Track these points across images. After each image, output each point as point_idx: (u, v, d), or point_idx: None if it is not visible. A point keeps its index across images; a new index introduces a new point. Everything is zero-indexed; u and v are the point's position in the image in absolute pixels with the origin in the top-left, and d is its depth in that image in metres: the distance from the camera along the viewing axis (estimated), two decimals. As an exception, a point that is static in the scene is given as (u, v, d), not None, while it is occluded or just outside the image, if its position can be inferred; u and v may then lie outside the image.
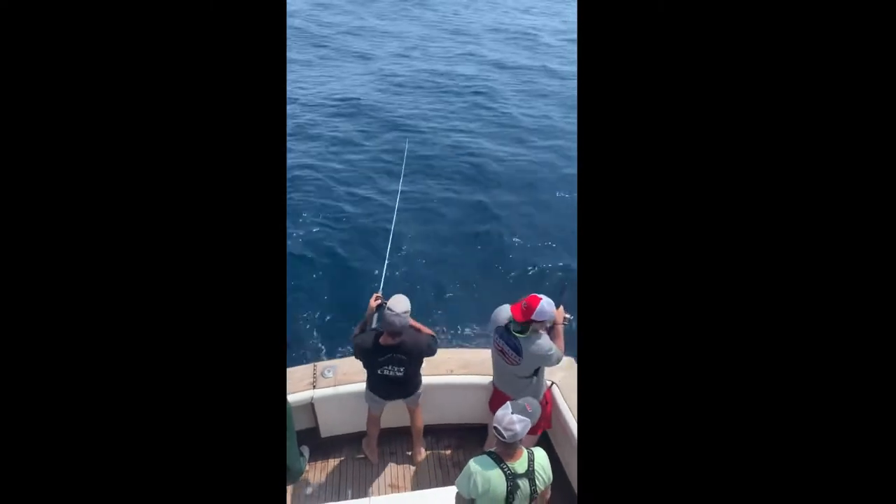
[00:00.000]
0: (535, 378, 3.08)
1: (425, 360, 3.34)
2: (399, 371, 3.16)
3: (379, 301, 3.17)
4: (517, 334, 2.96)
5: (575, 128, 10.20)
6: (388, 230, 4.03)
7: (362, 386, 3.38)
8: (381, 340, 3.09)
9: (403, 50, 14.65)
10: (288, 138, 8.06)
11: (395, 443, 3.80)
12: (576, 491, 3.36)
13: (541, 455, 2.42)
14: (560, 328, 3.07)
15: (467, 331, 5.74)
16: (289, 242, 6.62)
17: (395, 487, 3.57)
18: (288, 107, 9.60)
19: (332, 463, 3.70)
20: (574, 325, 4.15)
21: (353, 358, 3.40)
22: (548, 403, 3.37)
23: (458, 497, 2.43)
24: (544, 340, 2.95)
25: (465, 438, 3.83)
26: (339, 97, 11.22)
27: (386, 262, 3.96)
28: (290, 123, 9.41)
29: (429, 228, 7.26)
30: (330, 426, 3.71)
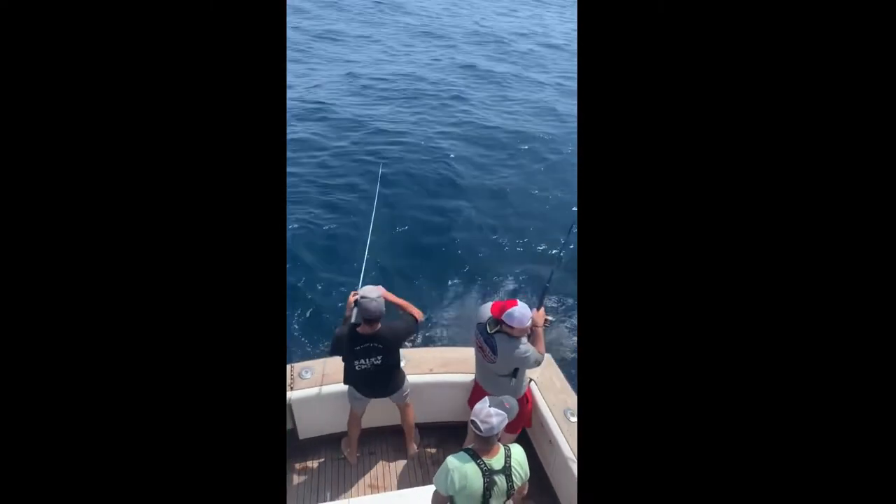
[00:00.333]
0: (513, 379, 3.11)
1: (405, 359, 3.33)
2: (377, 360, 3.19)
3: (357, 297, 3.21)
4: (490, 329, 2.99)
5: (551, 131, 10.28)
6: (366, 231, 4.03)
7: (341, 387, 3.37)
8: (360, 330, 3.15)
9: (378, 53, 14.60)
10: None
11: (374, 443, 3.79)
12: (554, 487, 3.40)
13: (518, 451, 2.44)
14: (540, 331, 3.09)
15: (446, 332, 5.76)
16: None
17: (374, 488, 3.56)
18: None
19: (311, 465, 3.67)
20: (552, 327, 4.19)
21: (331, 358, 3.39)
22: (528, 402, 3.39)
23: (436, 494, 2.44)
24: (521, 342, 2.98)
25: (445, 437, 3.83)
26: (315, 100, 11.14)
27: (364, 261, 3.95)
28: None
29: (405, 232, 7.26)
30: (308, 427, 3.68)
